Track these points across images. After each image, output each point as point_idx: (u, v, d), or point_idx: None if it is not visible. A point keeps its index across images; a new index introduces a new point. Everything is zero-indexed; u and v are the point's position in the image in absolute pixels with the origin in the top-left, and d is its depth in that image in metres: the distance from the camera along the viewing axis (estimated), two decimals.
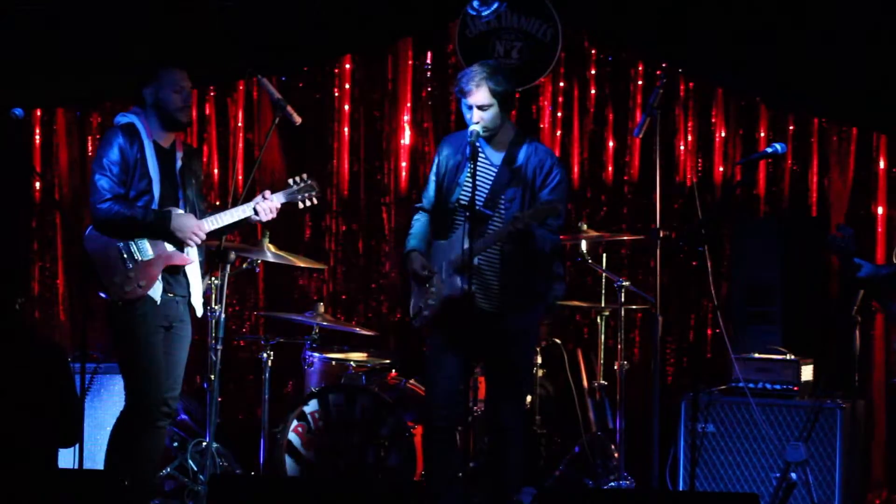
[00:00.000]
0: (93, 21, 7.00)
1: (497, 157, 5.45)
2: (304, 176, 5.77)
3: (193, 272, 5.67)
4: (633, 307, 6.74)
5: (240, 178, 7.29)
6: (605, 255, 6.85)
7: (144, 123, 5.56)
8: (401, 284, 7.33)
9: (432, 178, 5.60)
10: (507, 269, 5.39)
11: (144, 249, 5.52)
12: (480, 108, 5.34)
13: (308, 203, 5.77)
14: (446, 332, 5.42)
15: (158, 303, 5.52)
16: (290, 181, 5.74)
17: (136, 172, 5.48)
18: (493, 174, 5.42)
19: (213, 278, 6.15)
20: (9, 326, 4.84)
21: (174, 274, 5.60)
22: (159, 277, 5.52)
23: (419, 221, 5.63)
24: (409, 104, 7.49)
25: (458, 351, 5.35)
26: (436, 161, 5.60)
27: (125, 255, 5.49)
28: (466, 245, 5.15)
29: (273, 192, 5.69)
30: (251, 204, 5.64)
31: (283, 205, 5.70)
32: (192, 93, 5.68)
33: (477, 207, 5.22)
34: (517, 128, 5.57)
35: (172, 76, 5.57)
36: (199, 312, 5.74)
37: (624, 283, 6.54)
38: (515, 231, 5.20)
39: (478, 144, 5.27)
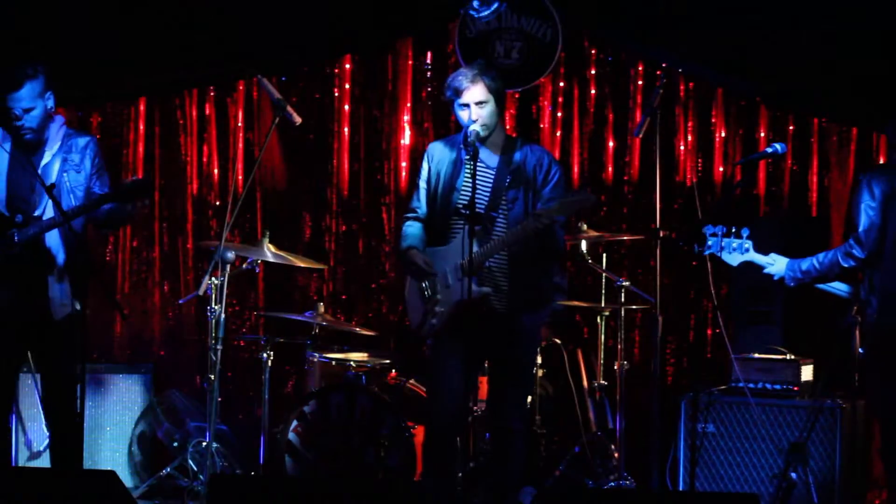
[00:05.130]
0: (93, 21, 7.00)
1: (493, 158, 5.43)
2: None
3: None
4: (633, 307, 6.73)
5: (240, 178, 7.30)
6: (605, 255, 6.85)
7: None
8: (398, 287, 7.32)
9: (423, 185, 5.53)
10: (517, 268, 5.37)
11: None
12: (478, 104, 5.32)
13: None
14: (454, 338, 5.35)
15: None
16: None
17: None
18: (492, 176, 5.40)
19: (213, 278, 6.14)
20: None
21: None
22: None
23: (413, 227, 5.53)
24: (409, 104, 7.49)
25: (465, 356, 5.30)
26: (425, 168, 5.54)
27: None
28: (476, 248, 5.14)
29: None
30: None
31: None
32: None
33: (479, 210, 5.22)
34: (507, 130, 5.55)
35: None
36: None
37: (624, 283, 6.54)
38: (542, 227, 5.17)
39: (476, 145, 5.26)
